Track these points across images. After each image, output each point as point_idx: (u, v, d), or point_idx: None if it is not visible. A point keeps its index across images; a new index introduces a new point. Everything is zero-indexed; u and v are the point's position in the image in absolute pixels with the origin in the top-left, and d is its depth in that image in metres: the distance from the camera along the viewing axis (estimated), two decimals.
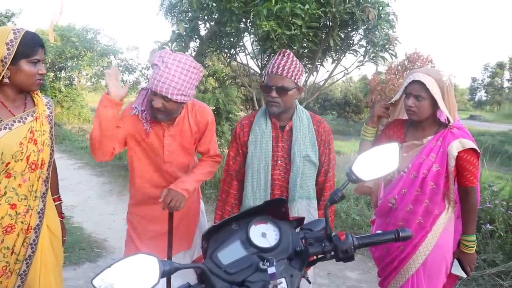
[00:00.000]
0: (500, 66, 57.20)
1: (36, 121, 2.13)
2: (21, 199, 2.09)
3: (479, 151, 2.27)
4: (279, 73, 2.38)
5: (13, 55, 1.97)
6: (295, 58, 2.44)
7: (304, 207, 2.49)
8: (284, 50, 2.48)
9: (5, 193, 2.04)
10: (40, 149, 2.13)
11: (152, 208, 2.56)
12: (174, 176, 2.56)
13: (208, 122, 2.61)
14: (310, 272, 2.58)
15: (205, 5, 6.03)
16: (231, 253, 1.34)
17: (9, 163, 2.01)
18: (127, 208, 2.74)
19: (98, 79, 18.93)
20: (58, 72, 18.85)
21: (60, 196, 2.50)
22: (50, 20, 24.12)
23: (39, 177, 2.15)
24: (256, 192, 2.51)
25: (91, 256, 4.56)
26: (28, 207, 2.11)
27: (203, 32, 6.86)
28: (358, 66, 6.84)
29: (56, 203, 2.42)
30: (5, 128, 2.01)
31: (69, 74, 19.87)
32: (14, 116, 2.07)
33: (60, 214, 2.45)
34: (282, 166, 2.50)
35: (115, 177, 8.54)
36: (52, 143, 2.26)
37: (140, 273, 1.09)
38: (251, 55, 7.09)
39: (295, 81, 2.41)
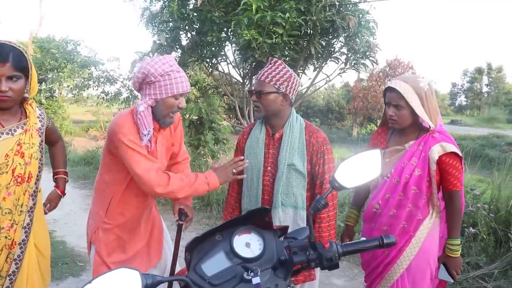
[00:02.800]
0: (479, 71, 58.27)
1: (26, 133, 2.08)
2: (5, 213, 2.03)
3: (460, 154, 2.28)
4: (260, 79, 2.49)
5: None
6: (281, 66, 2.50)
7: (290, 216, 2.49)
8: (271, 58, 2.56)
9: None
10: (28, 162, 2.08)
11: (137, 224, 2.49)
12: None
13: (179, 120, 2.61)
14: (317, 273, 2.61)
15: (186, 15, 6.05)
16: (215, 264, 1.32)
17: None
18: (102, 233, 2.49)
19: (80, 91, 18.75)
20: (39, 84, 18.65)
21: (66, 171, 2.50)
22: (29, 31, 23.92)
23: (25, 191, 2.09)
24: (251, 196, 2.59)
25: (74, 270, 4.48)
26: (12, 221, 2.06)
27: (184, 42, 6.87)
28: (340, 73, 6.92)
29: (59, 176, 2.40)
30: None
31: (50, 86, 19.64)
32: (3, 127, 2.02)
33: (62, 191, 2.49)
34: (271, 172, 2.54)
35: None
36: (42, 157, 2.21)
37: (123, 287, 1.07)
38: (233, 64, 7.12)
39: (276, 86, 2.45)
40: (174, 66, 2.25)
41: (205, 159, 8.66)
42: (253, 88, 2.56)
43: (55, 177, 2.61)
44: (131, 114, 2.28)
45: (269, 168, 2.54)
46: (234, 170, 2.32)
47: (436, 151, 2.25)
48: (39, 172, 2.19)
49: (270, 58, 2.58)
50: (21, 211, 2.10)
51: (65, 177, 2.51)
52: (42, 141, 2.22)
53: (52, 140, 2.54)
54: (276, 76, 2.45)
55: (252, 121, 6.93)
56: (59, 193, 2.57)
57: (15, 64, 1.94)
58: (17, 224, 2.09)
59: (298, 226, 2.45)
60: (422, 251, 2.36)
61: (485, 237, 4.45)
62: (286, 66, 2.54)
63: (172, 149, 2.62)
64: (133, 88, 2.41)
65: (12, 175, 2.02)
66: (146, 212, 2.51)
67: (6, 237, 2.05)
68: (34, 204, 2.19)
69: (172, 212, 2.68)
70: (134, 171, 2.19)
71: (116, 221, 2.42)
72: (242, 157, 2.40)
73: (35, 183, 2.16)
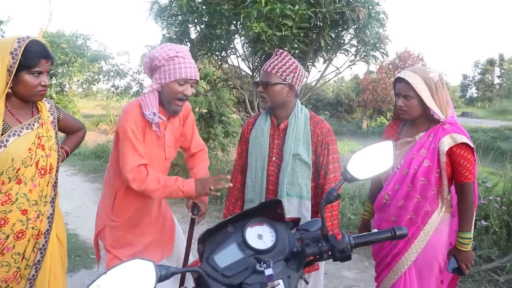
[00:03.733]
0: (490, 62, 57.68)
1: (42, 127, 2.15)
2: (32, 204, 2.10)
3: (472, 145, 2.25)
4: (266, 70, 2.52)
5: (17, 64, 1.96)
6: (287, 58, 2.52)
7: (295, 206, 2.51)
8: (277, 49, 2.59)
9: (17, 199, 2.05)
10: (48, 154, 2.16)
11: (143, 218, 2.51)
12: (165, 174, 2.54)
13: (190, 111, 2.64)
14: (321, 263, 2.61)
15: (195, 8, 6.04)
16: (227, 255, 1.33)
17: (19, 169, 2.03)
18: (109, 231, 2.52)
19: (89, 85, 18.84)
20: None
21: (68, 151, 2.54)
22: (39, 27, 24.05)
23: (48, 182, 2.18)
24: (255, 186, 2.62)
25: (86, 262, 4.52)
26: (38, 212, 2.14)
27: (193, 35, 6.87)
28: (350, 65, 6.87)
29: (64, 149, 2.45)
30: (14, 134, 2.03)
31: (60, 81, 19.80)
32: (21, 123, 2.09)
33: (66, 151, 2.51)
34: (276, 162, 2.57)
35: None
36: (59, 148, 2.29)
37: (137, 278, 1.08)
38: (242, 57, 7.10)
39: (282, 77, 2.47)
40: (181, 53, 2.28)
41: (215, 152, 8.67)
42: (259, 79, 2.58)
43: None
44: (138, 102, 2.32)
45: (274, 158, 2.57)
46: (212, 187, 2.29)
47: (446, 143, 2.23)
48: (58, 163, 2.26)
49: (276, 49, 2.60)
50: (45, 202, 2.18)
51: (65, 154, 2.51)
52: (56, 133, 2.28)
53: (72, 131, 2.59)
54: (282, 67, 2.48)
55: None
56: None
57: (52, 61, 2.12)
58: (42, 215, 2.17)
59: (303, 216, 2.48)
60: (430, 246, 2.35)
61: (497, 230, 4.43)
62: (292, 57, 2.55)
63: (181, 140, 2.63)
64: (142, 82, 2.44)
65: (36, 168, 2.10)
66: (153, 206, 2.53)
67: (33, 228, 2.13)
68: (55, 194, 2.27)
69: (181, 205, 2.71)
70: (121, 159, 2.27)
71: (122, 217, 2.45)
72: (228, 177, 2.41)
73: (55, 174, 2.24)
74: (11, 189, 2.03)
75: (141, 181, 2.24)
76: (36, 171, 2.09)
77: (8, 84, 1.98)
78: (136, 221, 2.48)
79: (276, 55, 2.54)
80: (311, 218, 2.50)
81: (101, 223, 2.52)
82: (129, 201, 2.42)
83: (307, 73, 6.71)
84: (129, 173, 2.23)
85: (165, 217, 2.64)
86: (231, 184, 2.40)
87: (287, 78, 2.48)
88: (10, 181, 2.02)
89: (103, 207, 2.54)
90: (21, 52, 1.96)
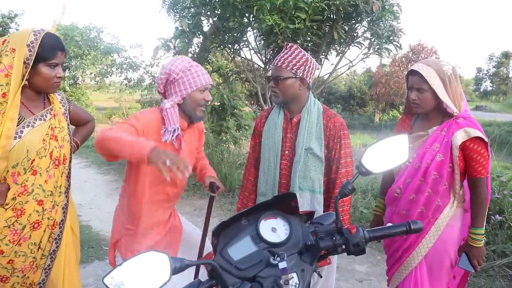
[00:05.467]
0: (506, 55, 56.86)
1: (55, 118, 2.18)
2: (48, 195, 2.13)
3: (486, 140, 2.22)
4: (277, 64, 2.51)
5: (34, 56, 2.00)
6: (297, 51, 2.51)
7: (307, 200, 2.52)
8: (287, 43, 2.58)
9: (33, 190, 2.08)
10: (61, 145, 2.19)
11: (158, 226, 2.48)
12: (179, 186, 2.51)
13: (203, 130, 2.68)
14: (333, 258, 2.61)
15: (207, 0, 6.02)
16: (241, 248, 1.33)
17: (34, 160, 2.06)
18: (125, 240, 2.47)
19: (102, 78, 18.96)
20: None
21: (78, 143, 2.52)
22: (53, 19, 24.17)
23: (62, 173, 2.21)
24: (268, 179, 2.63)
25: (99, 254, 4.57)
26: (54, 203, 2.17)
27: (206, 28, 6.85)
28: (363, 58, 6.81)
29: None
30: (27, 126, 2.06)
31: (73, 74, 19.92)
32: (34, 115, 2.11)
33: (77, 143, 2.49)
34: (289, 156, 2.57)
35: (121, 175, 8.56)
36: (71, 139, 2.31)
37: (151, 270, 1.08)
38: (255, 50, 7.07)
39: (293, 71, 2.47)
40: (193, 62, 2.35)
41: (227, 145, 8.68)
42: (269, 74, 2.59)
43: None
44: (157, 111, 2.33)
45: (286, 152, 2.58)
46: (168, 162, 1.89)
47: (459, 137, 2.20)
48: (71, 154, 2.30)
49: (285, 43, 2.60)
50: (60, 192, 2.21)
51: (75, 145, 2.47)
52: (68, 124, 2.31)
53: (81, 123, 2.60)
54: (292, 61, 2.48)
55: None
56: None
57: (65, 52, 2.18)
58: (57, 205, 2.20)
59: (316, 210, 2.48)
60: (440, 241, 2.33)
61: (511, 224, 4.38)
62: (303, 50, 2.54)
63: (195, 154, 2.65)
64: (155, 75, 2.46)
65: (51, 158, 2.12)
66: (165, 216, 2.50)
67: (48, 218, 2.16)
68: (69, 185, 2.30)
69: (194, 199, 2.71)
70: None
71: (137, 226, 2.41)
72: (190, 167, 1.96)
73: (69, 165, 2.28)
74: (26, 180, 2.05)
75: (106, 130, 2.10)
76: (50, 162, 2.12)
77: (25, 76, 2.01)
78: (149, 228, 2.45)
79: (286, 48, 2.53)
80: (323, 212, 2.49)
81: (117, 234, 2.50)
82: (142, 208, 2.38)
83: (319, 65, 6.68)
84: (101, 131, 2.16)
85: (176, 228, 2.60)
86: (187, 175, 1.94)
87: (298, 71, 2.47)
88: (25, 172, 2.05)
89: (118, 215, 2.55)
90: (38, 44, 1.99)
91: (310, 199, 2.52)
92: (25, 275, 2.15)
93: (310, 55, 2.57)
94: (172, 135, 2.28)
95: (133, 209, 2.40)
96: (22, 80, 2.01)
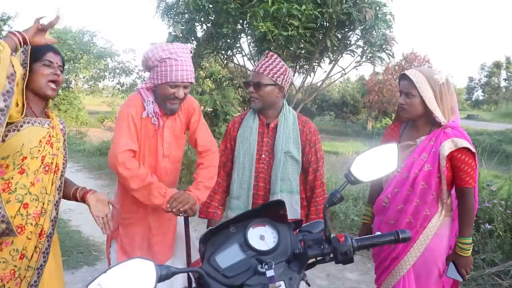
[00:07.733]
0: (497, 65, 57.33)
1: (53, 129, 2.17)
2: (33, 199, 2.06)
3: (473, 150, 2.23)
4: (258, 71, 2.59)
5: (28, 58, 2.02)
6: (278, 60, 2.63)
7: (286, 201, 2.55)
8: (267, 51, 2.70)
9: (15, 189, 2.01)
10: (55, 154, 2.16)
11: (143, 213, 2.52)
12: (169, 174, 2.53)
13: (195, 108, 2.61)
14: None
15: (201, 6, 6.03)
16: (229, 256, 1.32)
17: (25, 157, 2.02)
18: (120, 229, 2.59)
19: (95, 82, 18.90)
20: None
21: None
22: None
23: (53, 182, 2.15)
24: (242, 182, 2.68)
25: (89, 259, 4.53)
26: (42, 210, 2.09)
27: (199, 33, 6.86)
28: (356, 66, 6.85)
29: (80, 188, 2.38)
30: (28, 122, 2.05)
31: (66, 77, 19.83)
32: (37, 117, 2.12)
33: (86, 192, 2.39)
34: (266, 160, 2.66)
35: (113, 179, 8.51)
36: (65, 154, 2.28)
37: (137, 277, 1.07)
38: (248, 56, 7.09)
39: (273, 79, 2.56)
40: (174, 54, 2.30)
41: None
42: (249, 80, 2.66)
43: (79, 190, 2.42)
44: (137, 93, 2.44)
45: (263, 156, 2.66)
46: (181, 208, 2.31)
47: (447, 147, 2.21)
48: (64, 167, 2.24)
49: (266, 52, 2.70)
50: (49, 201, 2.14)
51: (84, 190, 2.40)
52: (65, 140, 2.29)
53: None
54: (273, 69, 2.58)
55: None
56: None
57: (61, 57, 2.19)
58: (46, 214, 2.12)
59: (294, 210, 2.63)
60: (428, 250, 2.33)
61: (501, 233, 4.40)
62: (282, 60, 2.66)
63: (184, 138, 2.63)
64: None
65: (42, 162, 2.08)
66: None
67: (34, 225, 2.07)
68: (59, 198, 2.23)
69: None
70: (113, 140, 2.34)
71: (130, 213, 2.50)
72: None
73: (60, 178, 2.21)
74: (12, 178, 2.00)
75: (129, 169, 2.28)
76: (41, 166, 2.08)
77: (25, 77, 2.02)
78: (140, 219, 2.52)
79: (267, 57, 2.62)
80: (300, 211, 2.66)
81: (114, 223, 2.46)
82: (131, 199, 2.44)
83: (312, 72, 6.70)
84: (120, 155, 2.26)
85: (162, 218, 2.59)
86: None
87: (278, 79, 2.58)
88: (14, 169, 2.00)
89: (114, 205, 2.51)
90: (30, 46, 2.00)
91: (288, 200, 2.60)
92: (4, 285, 2.01)
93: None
94: (152, 111, 2.37)
95: (127, 202, 2.50)
96: (23, 80, 2.01)
